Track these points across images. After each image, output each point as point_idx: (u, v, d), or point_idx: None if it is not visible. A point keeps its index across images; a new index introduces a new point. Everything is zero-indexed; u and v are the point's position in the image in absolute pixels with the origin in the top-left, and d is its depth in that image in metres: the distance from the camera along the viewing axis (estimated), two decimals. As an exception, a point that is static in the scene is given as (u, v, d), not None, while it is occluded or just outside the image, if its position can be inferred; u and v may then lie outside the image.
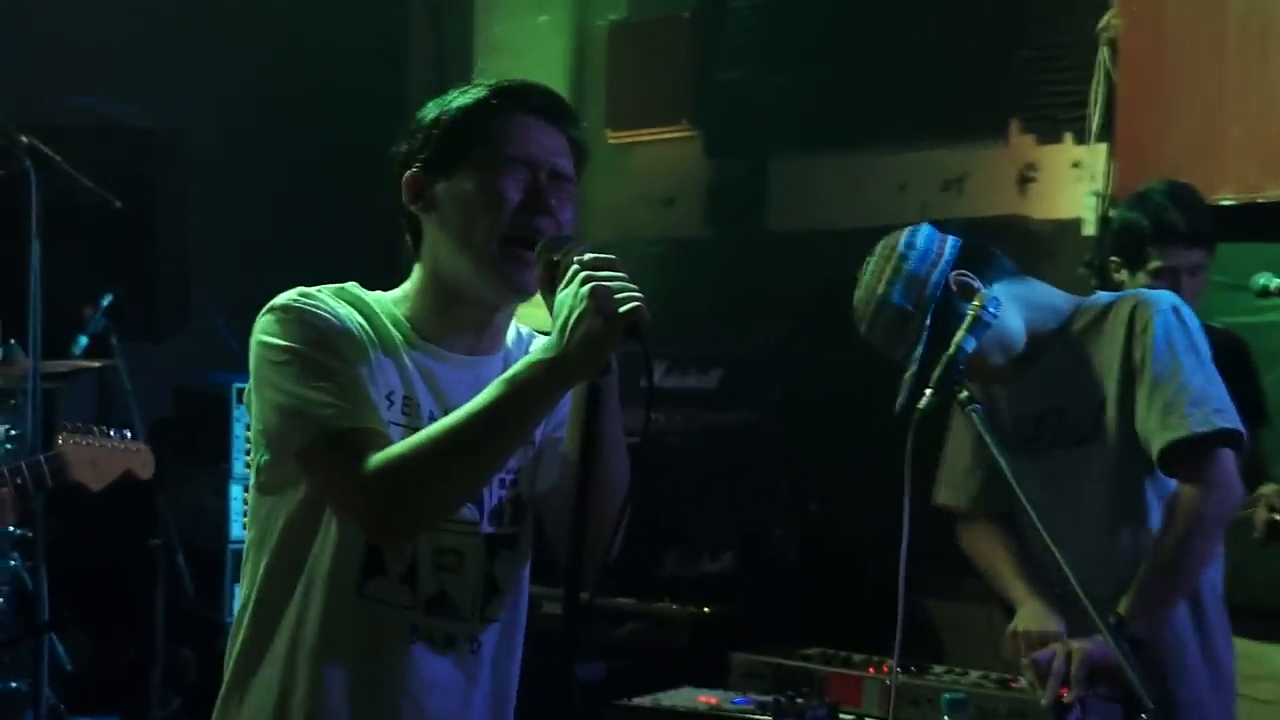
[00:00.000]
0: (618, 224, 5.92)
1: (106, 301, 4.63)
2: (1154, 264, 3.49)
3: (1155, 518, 2.68)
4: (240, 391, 4.97)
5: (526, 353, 2.06)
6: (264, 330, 2.01)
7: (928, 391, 2.46)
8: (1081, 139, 4.78)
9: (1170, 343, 2.63)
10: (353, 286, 2.08)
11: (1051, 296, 2.84)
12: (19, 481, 2.74)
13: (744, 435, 5.01)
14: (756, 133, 5.53)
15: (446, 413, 1.98)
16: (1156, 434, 2.59)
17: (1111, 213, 4.33)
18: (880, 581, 3.28)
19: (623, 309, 1.81)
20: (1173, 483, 2.67)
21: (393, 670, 2.01)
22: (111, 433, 3.25)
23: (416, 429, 1.98)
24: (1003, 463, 2.37)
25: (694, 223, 5.70)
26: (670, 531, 4.86)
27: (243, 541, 5.41)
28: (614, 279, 1.84)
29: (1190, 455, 2.58)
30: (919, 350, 2.62)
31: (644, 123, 5.67)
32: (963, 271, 2.71)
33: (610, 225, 5.95)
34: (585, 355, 1.83)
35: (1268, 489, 3.57)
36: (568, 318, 1.84)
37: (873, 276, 2.74)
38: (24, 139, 4.00)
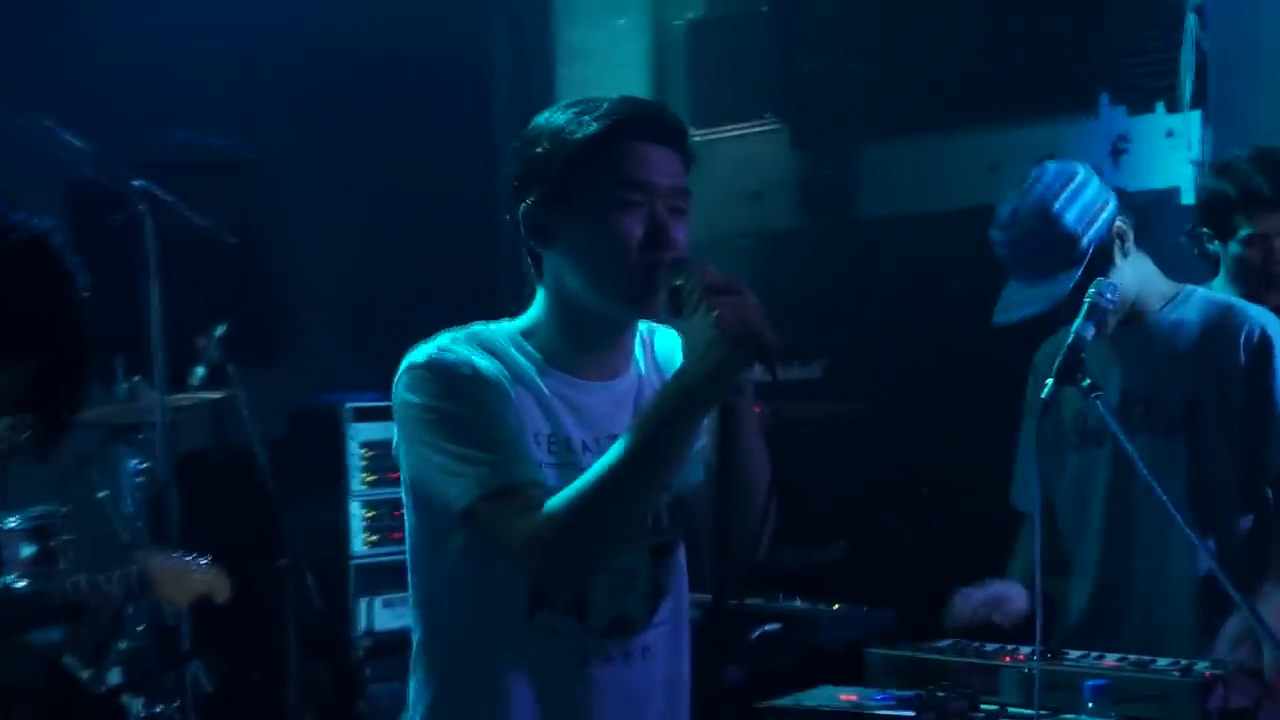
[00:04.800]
0: (707, 221, 5.86)
1: (220, 331, 4.66)
2: (1244, 232, 3.48)
3: (1225, 515, 2.91)
4: (355, 411, 5.08)
5: (654, 356, 2.16)
6: (406, 388, 2.02)
7: (1049, 381, 2.54)
8: (1173, 107, 4.73)
9: None
10: (481, 329, 2.08)
11: (1153, 275, 2.98)
12: (113, 591, 2.81)
13: (851, 424, 5.00)
14: (842, 121, 5.50)
15: (597, 441, 2.04)
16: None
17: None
18: (993, 566, 3.31)
19: (749, 334, 1.84)
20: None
21: (572, 692, 2.07)
22: (189, 557, 3.34)
23: (567, 464, 2.03)
24: (1129, 448, 2.52)
25: (785, 215, 5.67)
26: (783, 525, 4.84)
27: (364, 556, 5.45)
28: (738, 302, 1.87)
29: None
30: (1069, 281, 2.75)
31: (728, 118, 5.67)
32: (1124, 221, 2.86)
33: (700, 223, 5.88)
34: (716, 382, 1.88)
35: None
36: (696, 346, 1.88)
37: (1046, 190, 2.83)
38: (136, 183, 4.04)
